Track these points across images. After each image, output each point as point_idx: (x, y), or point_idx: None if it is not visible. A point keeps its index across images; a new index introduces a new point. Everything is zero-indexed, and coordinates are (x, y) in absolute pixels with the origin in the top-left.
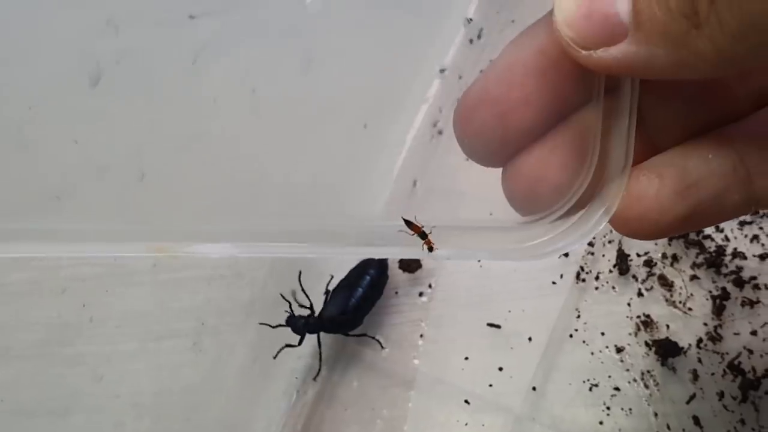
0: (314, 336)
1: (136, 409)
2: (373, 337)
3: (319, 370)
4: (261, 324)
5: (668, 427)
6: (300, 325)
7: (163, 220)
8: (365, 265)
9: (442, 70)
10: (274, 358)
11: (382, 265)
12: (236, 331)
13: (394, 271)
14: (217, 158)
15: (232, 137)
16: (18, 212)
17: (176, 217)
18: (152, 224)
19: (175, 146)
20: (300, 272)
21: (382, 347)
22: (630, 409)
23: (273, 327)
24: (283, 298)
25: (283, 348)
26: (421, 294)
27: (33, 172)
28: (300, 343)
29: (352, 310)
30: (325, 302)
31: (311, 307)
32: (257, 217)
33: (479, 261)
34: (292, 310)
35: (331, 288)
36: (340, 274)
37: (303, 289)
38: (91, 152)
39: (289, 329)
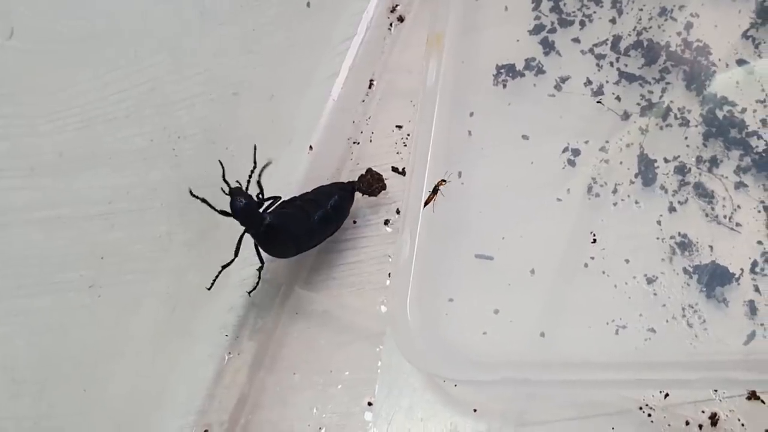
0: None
1: (13, 385)
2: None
3: (259, 278)
4: (192, 195)
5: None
6: (243, 203)
7: None
8: (328, 192)
9: None
10: (209, 289)
11: (345, 191)
12: (145, 276)
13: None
14: None
15: None
16: None
17: None
18: None
19: None
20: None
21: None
22: None
23: (218, 211)
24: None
25: (220, 272)
26: (387, 222)
27: None
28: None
29: (301, 234)
30: (267, 206)
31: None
32: None
33: (459, 175)
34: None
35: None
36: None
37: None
38: None
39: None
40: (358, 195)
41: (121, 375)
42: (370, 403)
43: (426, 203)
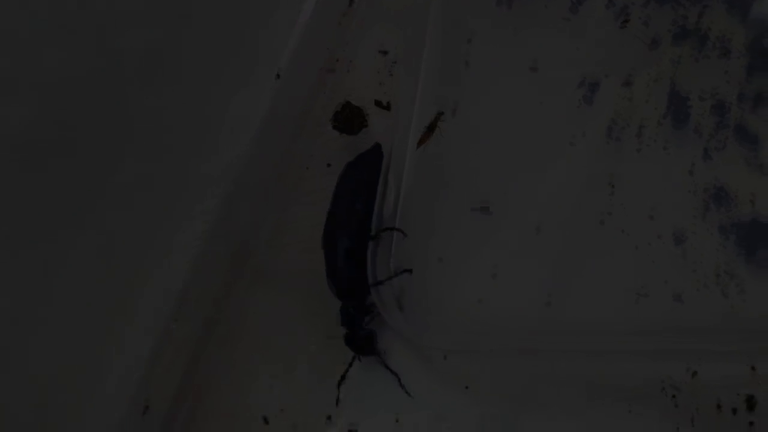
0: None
1: None
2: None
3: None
4: None
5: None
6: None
7: None
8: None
9: None
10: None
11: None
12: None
13: (328, 134)
14: None
15: None
16: None
17: None
18: None
19: None
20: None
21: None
22: None
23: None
24: None
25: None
26: None
27: None
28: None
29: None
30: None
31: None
32: None
33: (453, 112)
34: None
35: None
36: None
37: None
38: None
39: None
40: (334, 134)
41: (34, 353)
42: (343, 378)
43: (420, 143)
